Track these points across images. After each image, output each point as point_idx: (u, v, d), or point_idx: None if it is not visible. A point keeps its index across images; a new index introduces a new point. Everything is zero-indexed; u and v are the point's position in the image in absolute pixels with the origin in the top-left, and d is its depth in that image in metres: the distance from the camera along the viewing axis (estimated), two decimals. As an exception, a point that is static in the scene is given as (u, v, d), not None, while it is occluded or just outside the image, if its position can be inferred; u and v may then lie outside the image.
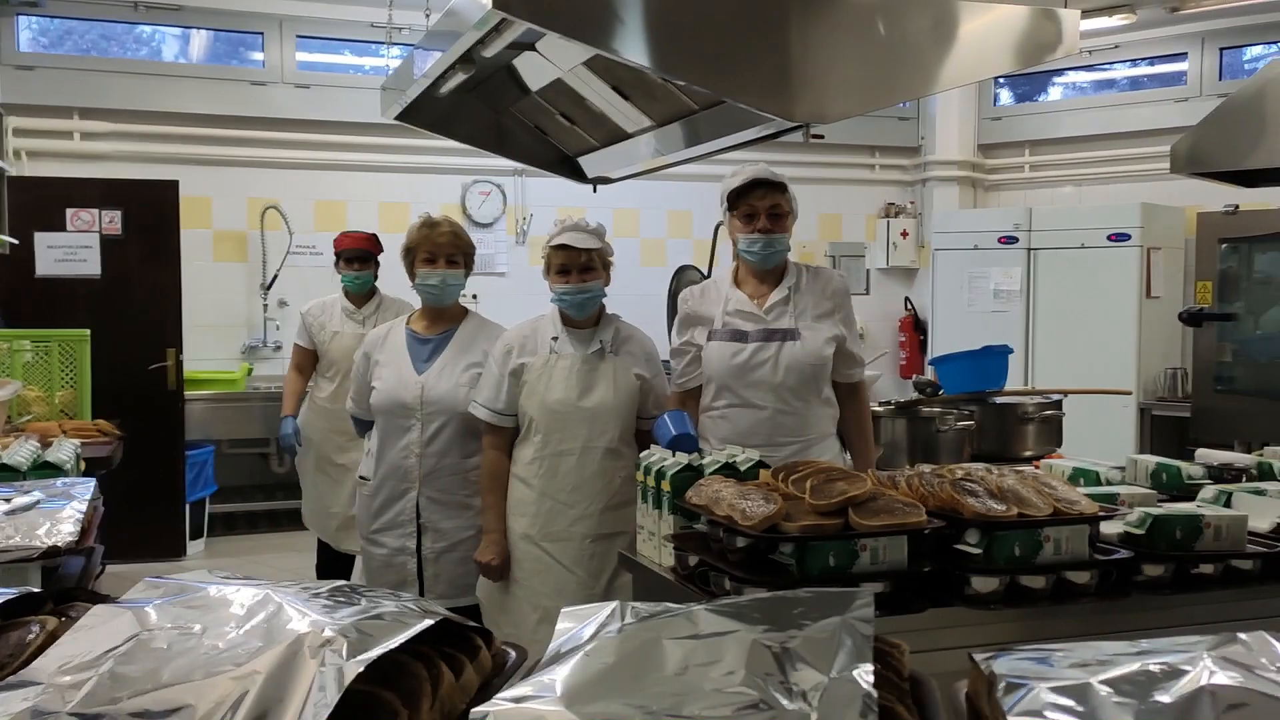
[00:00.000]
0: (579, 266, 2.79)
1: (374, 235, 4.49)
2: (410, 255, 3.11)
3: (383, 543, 3.08)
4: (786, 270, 2.87)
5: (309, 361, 4.44)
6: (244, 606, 0.97)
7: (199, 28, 6.46)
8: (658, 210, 7.15)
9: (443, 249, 3.07)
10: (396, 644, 0.91)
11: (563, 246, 2.78)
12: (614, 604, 1.06)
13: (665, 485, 2.25)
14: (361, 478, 3.18)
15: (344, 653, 0.87)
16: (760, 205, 2.76)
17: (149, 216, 5.74)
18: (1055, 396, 3.83)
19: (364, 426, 3.24)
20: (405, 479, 3.04)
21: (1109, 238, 6.23)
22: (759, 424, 2.75)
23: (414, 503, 3.03)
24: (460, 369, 3.03)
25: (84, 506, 1.94)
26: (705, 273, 6.58)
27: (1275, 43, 5.88)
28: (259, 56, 6.51)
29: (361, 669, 0.86)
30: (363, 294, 4.38)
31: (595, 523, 2.76)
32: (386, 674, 0.92)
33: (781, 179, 2.81)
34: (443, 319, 3.15)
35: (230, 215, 6.39)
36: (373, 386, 3.10)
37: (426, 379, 3.04)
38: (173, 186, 5.79)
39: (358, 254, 4.35)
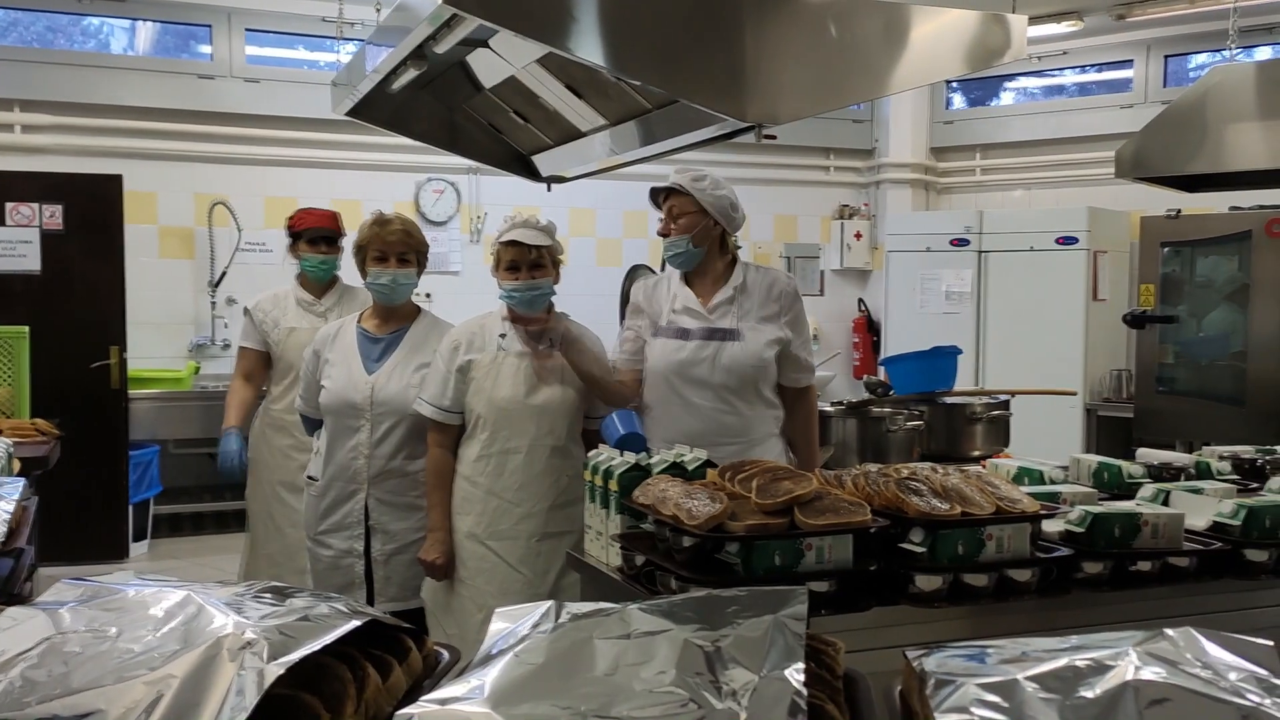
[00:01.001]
0: (529, 263, 2.77)
1: (337, 214, 3.84)
2: (361, 253, 3.07)
3: (330, 544, 3.03)
4: (734, 269, 2.87)
5: (260, 367, 3.76)
6: (164, 609, 0.94)
7: (145, 19, 6.33)
8: (614, 210, 7.14)
9: (393, 247, 3.02)
10: (319, 646, 0.88)
11: (513, 243, 2.76)
12: (549, 604, 1.05)
13: (613, 484, 2.24)
14: (309, 478, 3.13)
15: (265, 655, 0.85)
16: (664, 208, 2.84)
17: (91, 211, 5.62)
18: (1003, 397, 3.89)
19: (313, 425, 3.19)
20: (354, 480, 3.00)
21: (1057, 241, 6.34)
22: (699, 423, 2.74)
23: (362, 504, 2.99)
24: (411, 369, 2.99)
25: (11, 507, 1.89)
26: (657, 272, 6.59)
27: (1218, 50, 6.02)
28: (207, 49, 6.39)
29: (281, 672, 0.83)
30: (324, 282, 3.75)
31: (542, 521, 2.75)
32: (310, 677, 0.89)
33: (677, 183, 2.80)
34: (394, 318, 3.11)
35: (177, 211, 6.26)
36: (322, 385, 3.05)
37: (376, 379, 3.00)
38: (116, 181, 5.67)
39: (323, 234, 3.71)
